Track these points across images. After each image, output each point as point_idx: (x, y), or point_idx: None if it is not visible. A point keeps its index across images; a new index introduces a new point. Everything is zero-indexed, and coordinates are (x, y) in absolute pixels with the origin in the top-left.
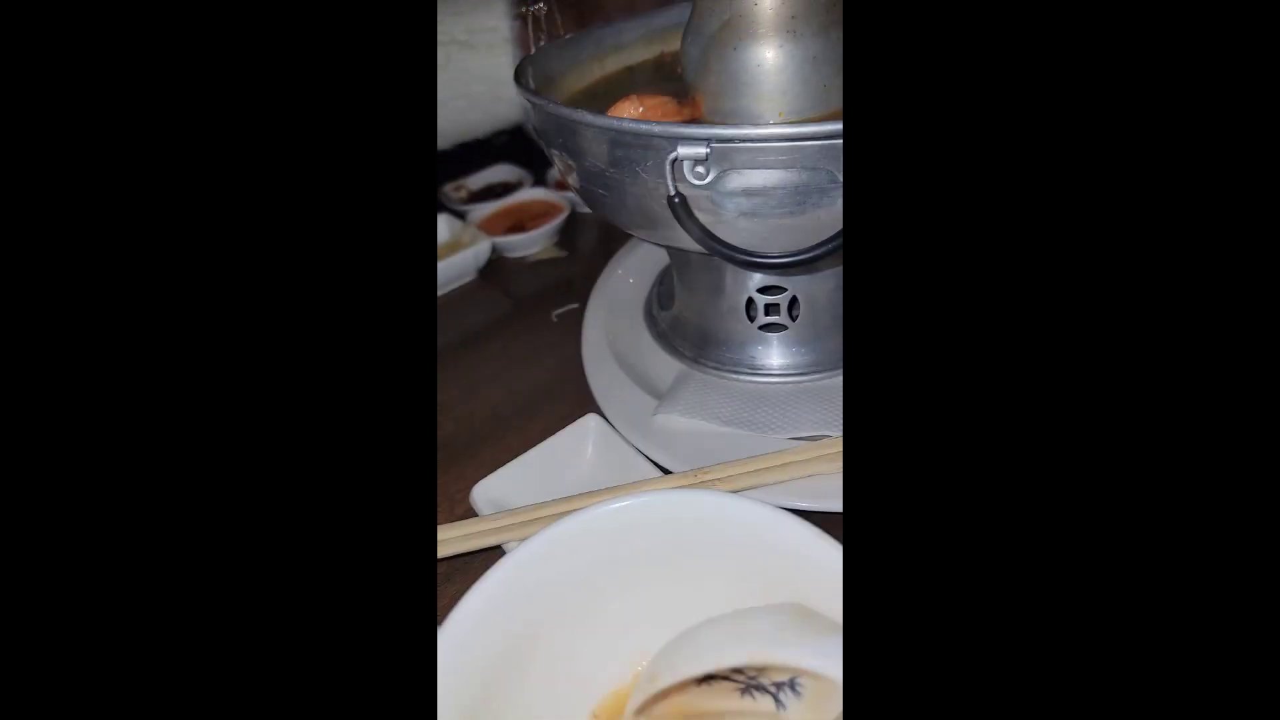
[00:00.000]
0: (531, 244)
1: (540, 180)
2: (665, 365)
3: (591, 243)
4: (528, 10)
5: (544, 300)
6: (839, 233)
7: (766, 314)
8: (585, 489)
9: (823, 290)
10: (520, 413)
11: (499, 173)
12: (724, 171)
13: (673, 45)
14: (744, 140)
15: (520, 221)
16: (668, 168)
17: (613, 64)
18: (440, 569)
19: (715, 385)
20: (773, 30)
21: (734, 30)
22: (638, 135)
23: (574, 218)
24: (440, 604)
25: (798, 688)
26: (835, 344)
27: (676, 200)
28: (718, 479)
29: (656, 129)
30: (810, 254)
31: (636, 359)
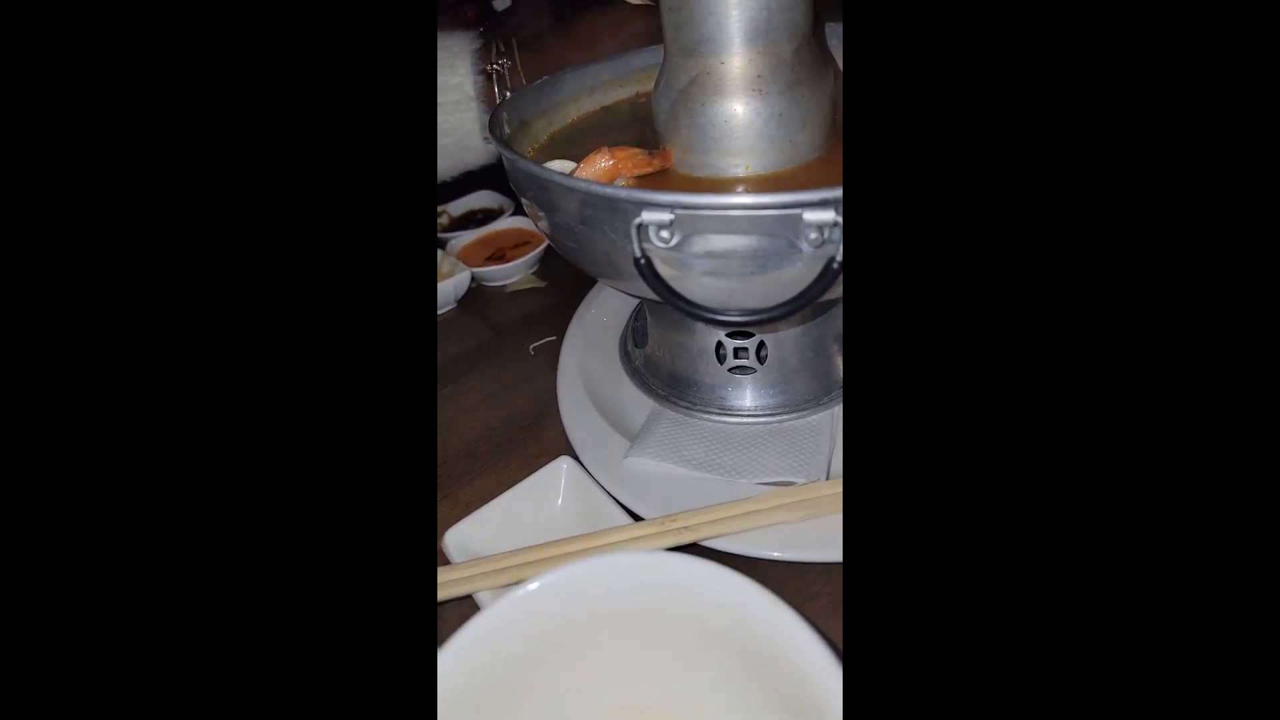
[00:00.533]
0: (511, 274)
1: (521, 209)
2: (639, 402)
3: (571, 273)
4: (492, 68)
5: (522, 331)
6: (800, 294)
7: (736, 357)
8: (557, 535)
9: (789, 336)
10: (495, 450)
11: (480, 199)
12: (688, 235)
13: (647, 86)
14: (706, 208)
15: (500, 250)
16: (633, 231)
17: (589, 104)
18: None
19: (686, 425)
20: (739, 88)
21: (702, 87)
22: (605, 198)
23: (554, 248)
24: None
25: None
26: (802, 385)
27: (642, 262)
28: (685, 526)
29: (623, 194)
30: (770, 314)
31: (611, 396)
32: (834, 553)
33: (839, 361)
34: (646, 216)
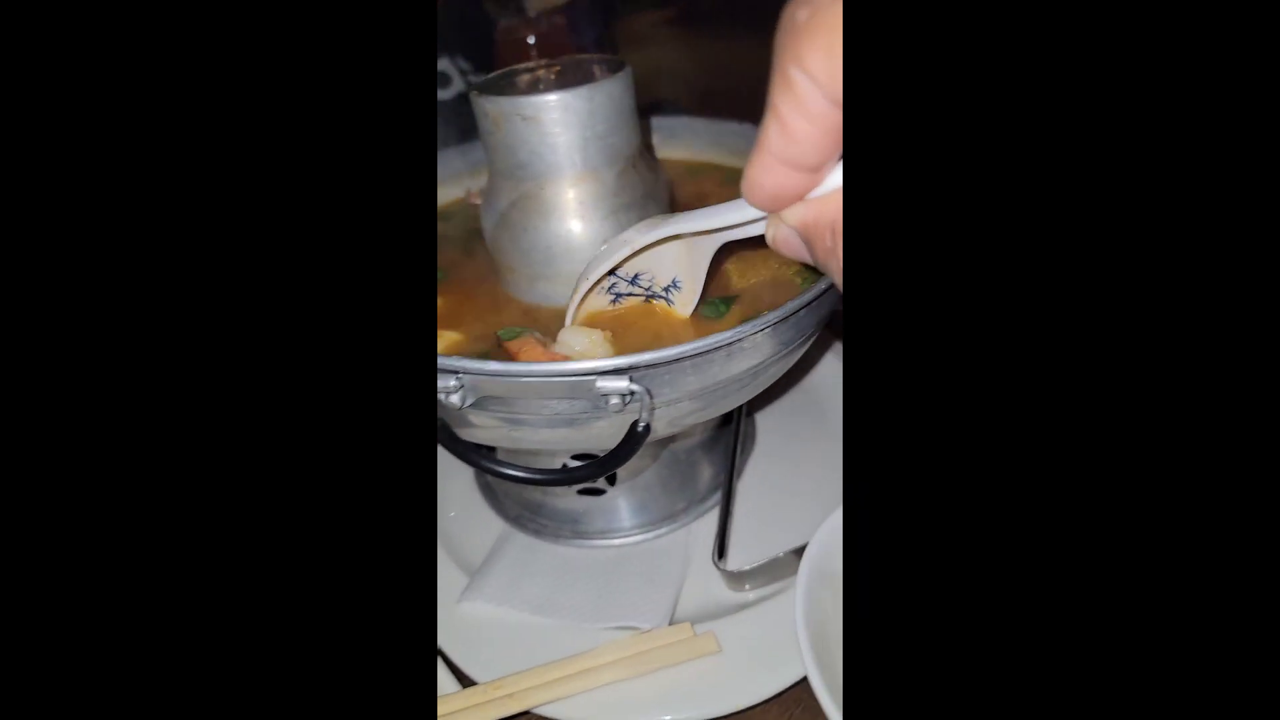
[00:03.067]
0: None
1: None
2: (488, 524)
3: None
4: None
5: None
6: (605, 459)
7: None
8: None
9: (644, 454)
10: None
11: None
12: (481, 397)
13: (478, 180)
14: (492, 374)
15: None
16: None
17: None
18: None
19: (535, 552)
20: (561, 214)
21: (523, 210)
22: None
23: None
24: None
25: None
26: (660, 503)
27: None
28: (511, 694)
29: None
30: (571, 475)
31: (459, 514)
32: (669, 711)
33: (705, 473)
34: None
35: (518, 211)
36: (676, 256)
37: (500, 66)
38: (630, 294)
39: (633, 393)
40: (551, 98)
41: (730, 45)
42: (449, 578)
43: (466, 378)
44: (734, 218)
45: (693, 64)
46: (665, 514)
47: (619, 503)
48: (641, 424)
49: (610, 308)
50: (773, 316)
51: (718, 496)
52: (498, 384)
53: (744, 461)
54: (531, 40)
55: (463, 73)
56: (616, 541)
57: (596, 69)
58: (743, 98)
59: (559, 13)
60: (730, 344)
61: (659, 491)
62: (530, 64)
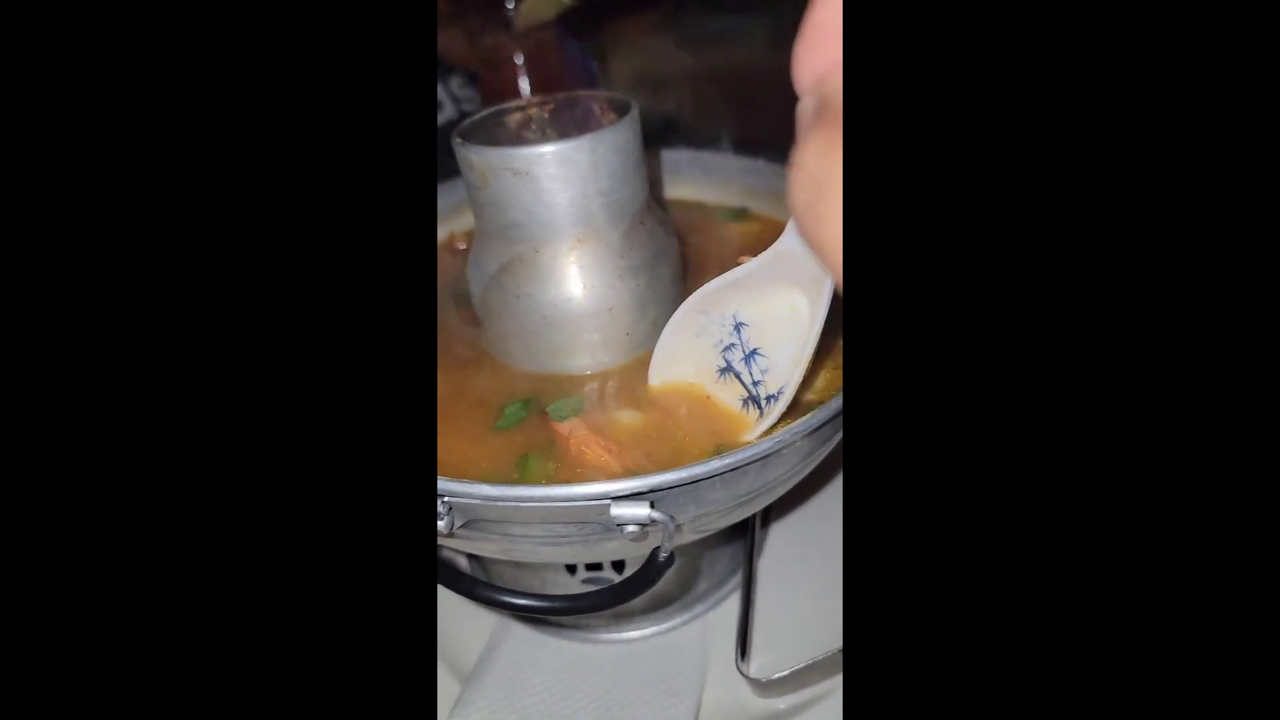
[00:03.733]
0: None
1: None
2: (481, 612)
3: None
4: None
5: None
6: (620, 587)
7: (589, 569)
8: None
9: None
10: None
11: None
12: (471, 519)
13: (460, 223)
14: (488, 499)
15: None
16: None
17: None
18: None
19: (536, 646)
20: (559, 279)
21: (515, 275)
22: None
23: None
24: None
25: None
26: (672, 593)
27: None
28: None
29: None
30: (578, 604)
31: (447, 599)
32: None
33: (724, 552)
34: None
35: (509, 276)
36: (804, 351)
37: (484, 88)
38: (736, 371)
39: (654, 520)
40: (547, 149)
41: (727, 38)
42: (439, 686)
43: (455, 500)
44: None
45: (693, 65)
46: (680, 603)
47: None
48: (664, 553)
49: (710, 379)
50: (814, 420)
51: (738, 579)
52: (493, 509)
53: (765, 536)
54: (520, 60)
55: (455, 99)
56: (626, 635)
57: (597, 107)
58: (748, 100)
59: (548, 28)
60: (766, 456)
61: (672, 578)
62: (521, 101)
